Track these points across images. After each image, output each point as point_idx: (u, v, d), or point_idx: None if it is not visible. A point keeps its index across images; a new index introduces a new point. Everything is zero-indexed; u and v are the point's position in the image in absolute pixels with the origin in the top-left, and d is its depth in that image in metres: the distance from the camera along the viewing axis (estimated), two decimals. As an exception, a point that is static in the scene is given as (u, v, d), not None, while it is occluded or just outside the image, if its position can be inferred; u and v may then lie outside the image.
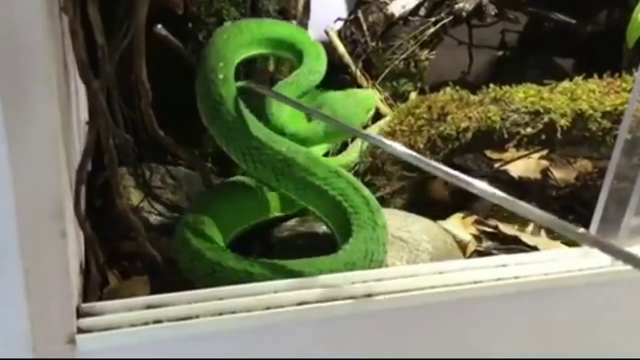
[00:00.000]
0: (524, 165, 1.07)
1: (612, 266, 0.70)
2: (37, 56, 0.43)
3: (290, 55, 0.84)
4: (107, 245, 0.72)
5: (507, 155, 1.08)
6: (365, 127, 0.90)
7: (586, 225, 0.72)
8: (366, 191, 0.75)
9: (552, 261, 0.71)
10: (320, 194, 0.74)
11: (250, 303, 0.60)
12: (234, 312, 0.59)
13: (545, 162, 1.09)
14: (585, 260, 0.71)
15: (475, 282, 0.67)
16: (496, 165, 1.08)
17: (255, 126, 0.74)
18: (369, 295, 0.64)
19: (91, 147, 0.55)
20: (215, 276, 0.64)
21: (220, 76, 0.73)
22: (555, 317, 0.69)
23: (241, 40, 0.78)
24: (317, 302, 0.62)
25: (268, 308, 0.60)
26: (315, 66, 0.81)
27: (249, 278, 0.64)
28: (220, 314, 0.59)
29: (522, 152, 1.01)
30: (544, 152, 1.09)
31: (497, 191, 0.55)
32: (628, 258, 0.47)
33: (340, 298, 0.63)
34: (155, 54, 0.89)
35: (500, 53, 1.35)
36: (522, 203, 0.54)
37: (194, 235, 0.67)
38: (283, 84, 0.80)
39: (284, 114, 0.78)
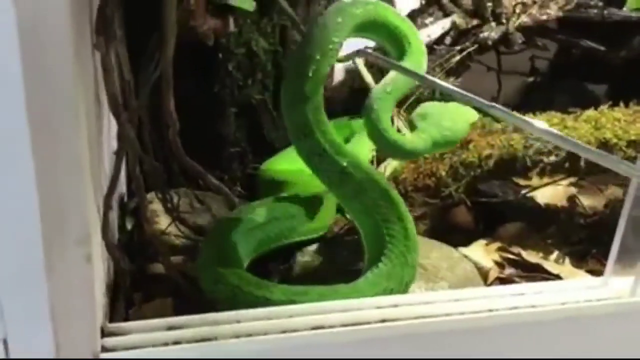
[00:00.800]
0: (551, 192, 1.07)
1: (632, 296, 0.70)
2: (65, 93, 0.46)
3: (390, 48, 0.82)
4: (136, 267, 0.76)
5: (534, 182, 1.08)
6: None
7: (606, 253, 0.72)
8: (410, 223, 0.75)
9: (570, 290, 0.71)
10: (366, 213, 0.75)
11: (266, 326, 0.62)
12: (250, 335, 0.61)
13: (573, 189, 1.08)
14: (604, 290, 0.71)
15: (491, 311, 0.67)
16: (523, 191, 1.08)
17: (327, 134, 0.73)
18: (384, 321, 0.65)
19: (117, 176, 0.59)
20: (235, 299, 0.67)
21: (311, 72, 0.71)
22: (572, 347, 0.69)
23: (353, 22, 0.75)
24: (331, 327, 0.63)
25: (284, 332, 0.62)
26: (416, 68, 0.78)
27: (268, 302, 0.66)
28: (237, 336, 0.61)
29: (550, 179, 1.01)
30: (574, 179, 1.09)
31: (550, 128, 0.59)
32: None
33: (356, 323, 0.64)
34: (188, 84, 0.94)
35: (531, 79, 1.35)
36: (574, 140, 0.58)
37: (216, 258, 0.69)
38: (380, 91, 0.78)
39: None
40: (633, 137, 0.87)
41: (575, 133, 0.88)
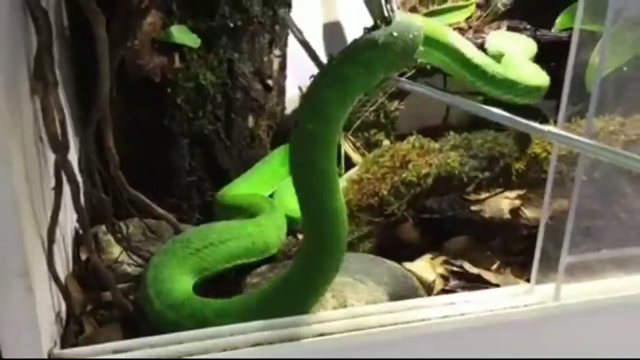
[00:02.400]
0: (496, 206, 1.12)
1: (555, 301, 0.74)
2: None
3: None
4: (90, 295, 0.79)
5: (483, 197, 1.13)
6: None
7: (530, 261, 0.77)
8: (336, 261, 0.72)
9: (498, 298, 0.76)
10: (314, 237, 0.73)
11: (207, 346, 0.66)
12: (191, 355, 0.65)
13: (517, 202, 1.13)
14: (529, 297, 0.75)
15: (423, 320, 0.72)
16: (472, 207, 1.13)
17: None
18: (322, 335, 0.69)
19: (57, 211, 0.63)
20: (175, 329, 0.70)
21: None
22: (500, 352, 0.73)
23: None
24: (270, 343, 0.67)
25: (224, 350, 0.66)
26: None
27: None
28: (180, 356, 0.65)
29: (488, 193, 1.06)
30: (522, 192, 1.13)
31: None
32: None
33: (295, 338, 0.68)
34: (140, 118, 0.98)
35: (481, 98, 1.40)
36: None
37: (156, 291, 0.73)
38: None
39: None
40: (563, 152, 0.92)
41: (507, 149, 0.93)
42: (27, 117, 0.62)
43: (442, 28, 0.90)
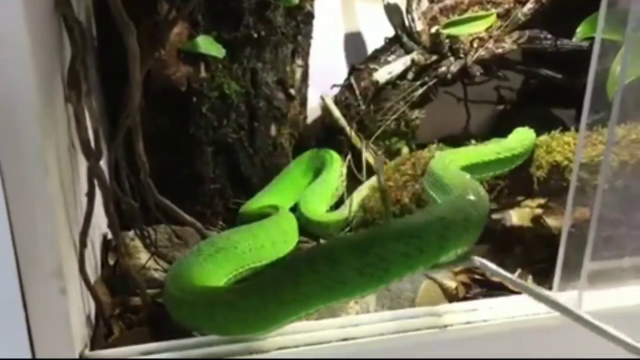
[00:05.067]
0: (517, 214, 1.12)
1: (577, 309, 0.75)
2: (34, 142, 0.53)
3: None
4: (117, 299, 0.81)
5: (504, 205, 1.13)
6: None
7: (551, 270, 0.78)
8: None
9: (520, 305, 0.76)
10: None
11: (235, 349, 0.67)
12: (219, 358, 0.66)
13: (539, 210, 1.13)
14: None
15: (446, 326, 0.73)
16: (493, 215, 1.13)
17: None
18: (345, 340, 0.70)
19: (90, 215, 0.64)
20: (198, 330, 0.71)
21: None
22: (523, 358, 0.73)
23: None
24: (296, 346, 0.69)
25: (250, 353, 0.67)
26: None
27: None
28: (208, 358, 0.66)
29: (508, 201, 1.06)
30: (543, 200, 1.14)
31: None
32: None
33: (317, 342, 0.70)
34: (166, 127, 1.00)
35: (500, 107, 1.41)
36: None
37: (176, 303, 0.72)
38: None
39: None
40: (584, 160, 0.93)
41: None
42: (62, 124, 0.64)
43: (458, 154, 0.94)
